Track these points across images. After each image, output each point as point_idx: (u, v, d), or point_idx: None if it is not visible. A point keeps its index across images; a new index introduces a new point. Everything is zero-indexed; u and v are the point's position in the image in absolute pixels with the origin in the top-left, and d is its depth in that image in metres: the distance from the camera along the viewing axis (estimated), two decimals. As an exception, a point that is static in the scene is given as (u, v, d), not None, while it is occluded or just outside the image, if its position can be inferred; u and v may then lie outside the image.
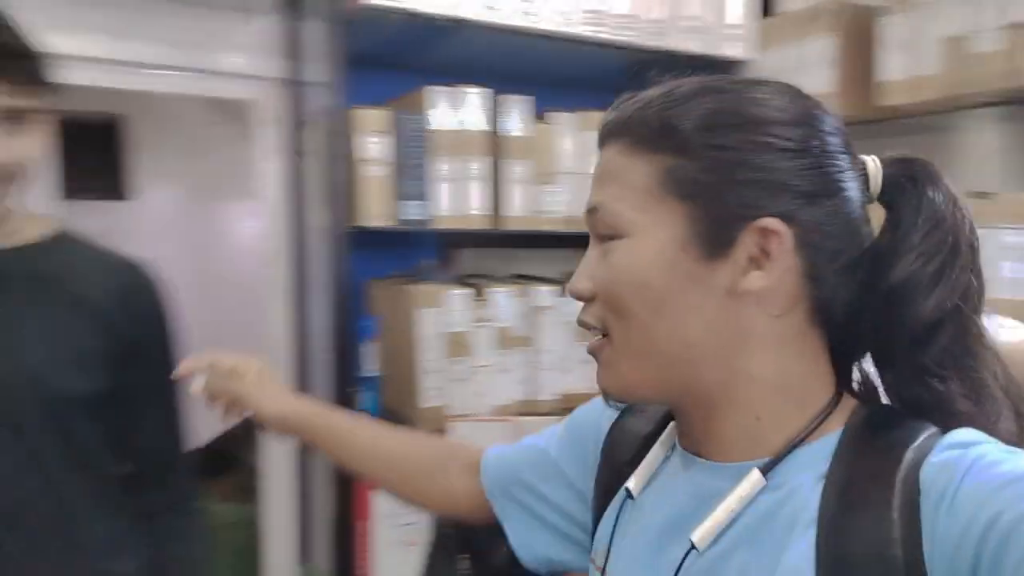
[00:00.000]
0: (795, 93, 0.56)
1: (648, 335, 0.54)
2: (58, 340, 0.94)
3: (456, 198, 1.77)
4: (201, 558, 1.13)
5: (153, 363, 1.04)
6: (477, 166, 1.79)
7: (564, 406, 1.93)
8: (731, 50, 2.04)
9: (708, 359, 0.54)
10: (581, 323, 0.59)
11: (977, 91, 1.60)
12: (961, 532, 0.44)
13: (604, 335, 0.57)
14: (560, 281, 2.04)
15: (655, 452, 0.63)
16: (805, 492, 0.51)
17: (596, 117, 1.95)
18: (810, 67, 1.92)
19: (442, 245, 2.09)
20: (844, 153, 0.56)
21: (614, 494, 0.66)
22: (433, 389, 1.76)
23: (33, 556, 0.91)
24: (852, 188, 0.55)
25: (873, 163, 0.57)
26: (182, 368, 0.93)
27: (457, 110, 1.76)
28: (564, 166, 1.90)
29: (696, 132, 0.54)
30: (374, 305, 1.92)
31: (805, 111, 0.55)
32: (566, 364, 1.93)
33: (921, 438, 0.50)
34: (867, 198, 0.57)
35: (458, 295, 1.78)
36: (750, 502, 0.53)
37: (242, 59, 1.91)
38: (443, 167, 1.75)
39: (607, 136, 0.59)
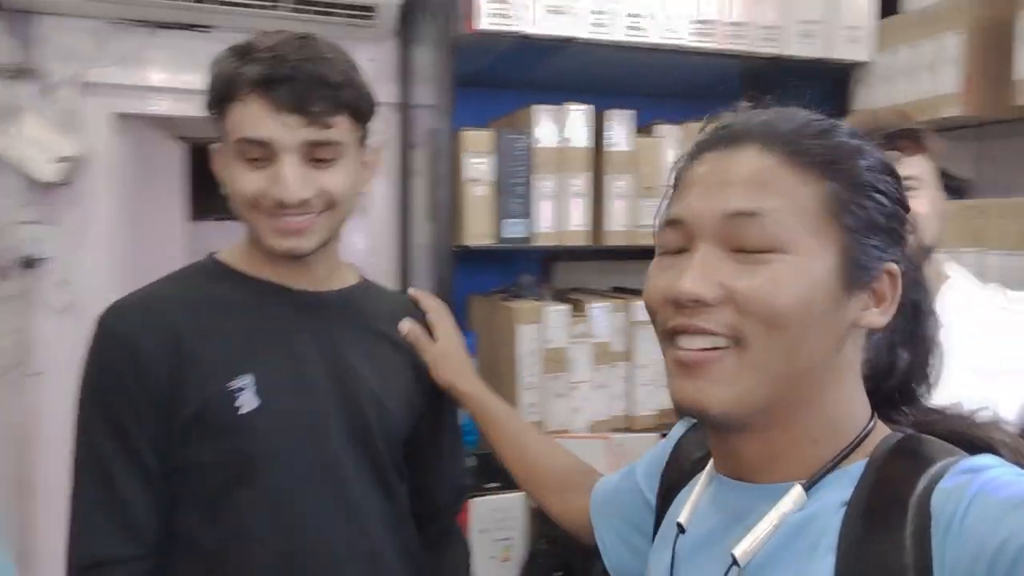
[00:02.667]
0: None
1: (793, 353, 0.55)
2: (383, 370, 1.00)
3: (557, 214, 1.78)
4: None
5: (446, 399, 1.10)
6: (579, 182, 1.79)
7: (660, 421, 1.90)
8: (848, 52, 1.93)
9: (816, 382, 0.56)
10: (695, 329, 0.56)
11: None
12: (971, 557, 0.45)
13: (725, 345, 0.55)
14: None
15: (702, 482, 0.65)
16: (828, 516, 0.53)
17: (697, 129, 1.89)
18: (935, 66, 1.79)
19: (541, 260, 2.10)
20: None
21: (666, 509, 0.70)
22: (531, 405, 1.77)
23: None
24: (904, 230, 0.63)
25: None
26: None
27: (560, 127, 1.76)
28: (666, 179, 1.86)
29: (867, 170, 0.57)
30: (473, 321, 1.95)
31: (890, 164, 0.61)
32: (663, 379, 1.88)
33: (938, 464, 0.51)
34: None
35: (556, 311, 1.78)
36: (788, 517, 0.55)
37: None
38: (545, 184, 1.76)
39: (749, 139, 0.58)
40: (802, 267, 0.54)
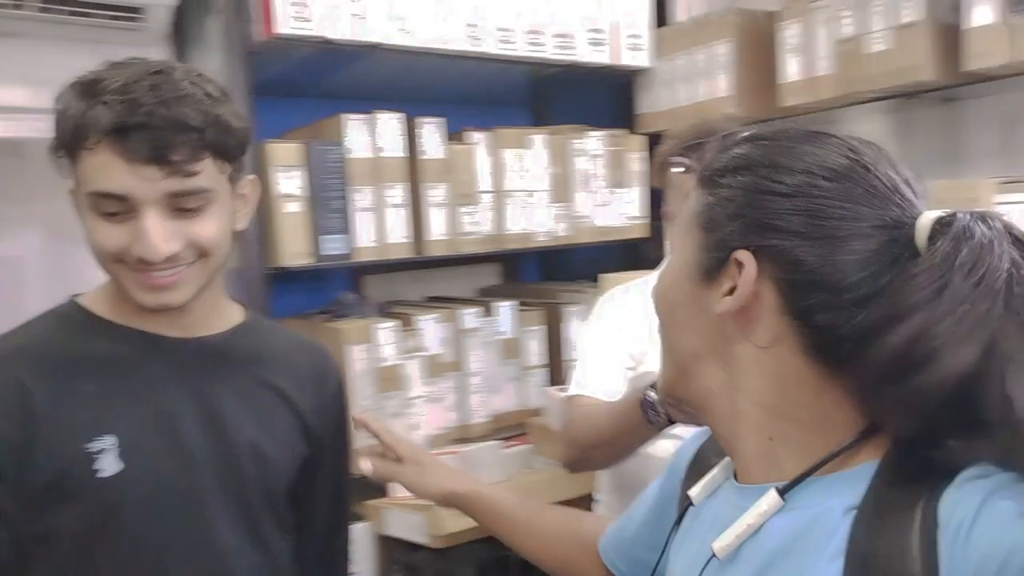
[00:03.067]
0: (846, 146, 0.57)
1: (670, 343, 0.64)
2: (263, 420, 0.93)
3: (377, 227, 1.70)
4: None
5: (333, 446, 1.03)
6: (396, 192, 1.73)
7: (496, 427, 1.90)
8: (633, 59, 2.06)
9: (708, 372, 0.60)
10: None
11: (867, 88, 1.69)
12: (977, 566, 0.45)
13: None
14: (479, 300, 2.01)
15: (717, 469, 0.67)
16: (833, 520, 0.53)
17: (510, 134, 1.94)
18: (709, 72, 1.97)
19: (353, 275, 2.01)
20: (869, 205, 0.55)
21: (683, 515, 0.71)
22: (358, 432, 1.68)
23: None
24: (863, 237, 0.54)
25: (926, 219, 0.54)
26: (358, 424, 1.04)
27: (373, 136, 1.68)
28: (482, 185, 1.86)
29: (723, 173, 0.60)
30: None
31: (837, 163, 0.56)
32: (494, 384, 1.90)
33: (946, 471, 0.50)
34: (908, 251, 0.54)
35: (386, 328, 1.71)
36: (766, 519, 0.56)
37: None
38: (362, 196, 1.68)
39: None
40: (668, 266, 0.66)
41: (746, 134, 0.61)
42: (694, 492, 0.66)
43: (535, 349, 1.97)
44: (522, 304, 1.97)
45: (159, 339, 0.88)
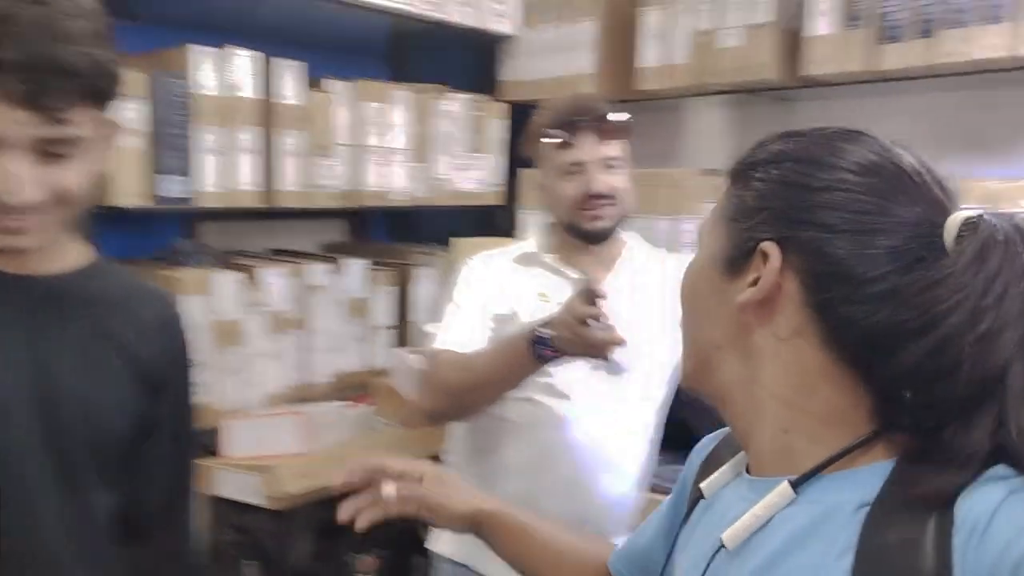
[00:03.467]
0: (879, 144, 0.58)
1: (692, 335, 0.65)
2: (96, 370, 0.88)
3: (223, 171, 1.59)
4: None
5: (175, 400, 0.98)
6: (247, 136, 1.62)
7: (339, 387, 1.86)
8: (499, 25, 2.06)
9: (728, 364, 0.61)
10: None
11: (717, 81, 1.79)
12: (991, 566, 0.45)
13: None
14: (327, 257, 1.94)
15: (728, 465, 0.67)
16: (844, 516, 0.52)
17: (372, 87, 1.88)
18: (574, 48, 2.00)
19: (192, 221, 1.87)
20: (898, 202, 0.55)
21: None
22: (201, 384, 1.58)
23: None
24: (890, 232, 0.54)
25: (955, 219, 0.53)
26: (350, 478, 0.86)
27: (224, 73, 1.57)
28: (340, 138, 1.79)
29: (756, 168, 0.61)
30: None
31: (868, 159, 0.57)
32: (340, 344, 1.86)
33: (963, 472, 0.49)
34: (934, 250, 0.54)
35: (227, 279, 1.61)
36: (776, 511, 0.56)
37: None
38: (208, 137, 1.56)
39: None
40: (695, 259, 0.65)
41: (781, 132, 0.62)
42: (704, 485, 0.67)
43: (383, 309, 1.94)
44: (373, 263, 1.93)
45: None
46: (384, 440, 1.67)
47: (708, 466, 0.70)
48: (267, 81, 1.64)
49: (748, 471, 0.62)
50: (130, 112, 1.44)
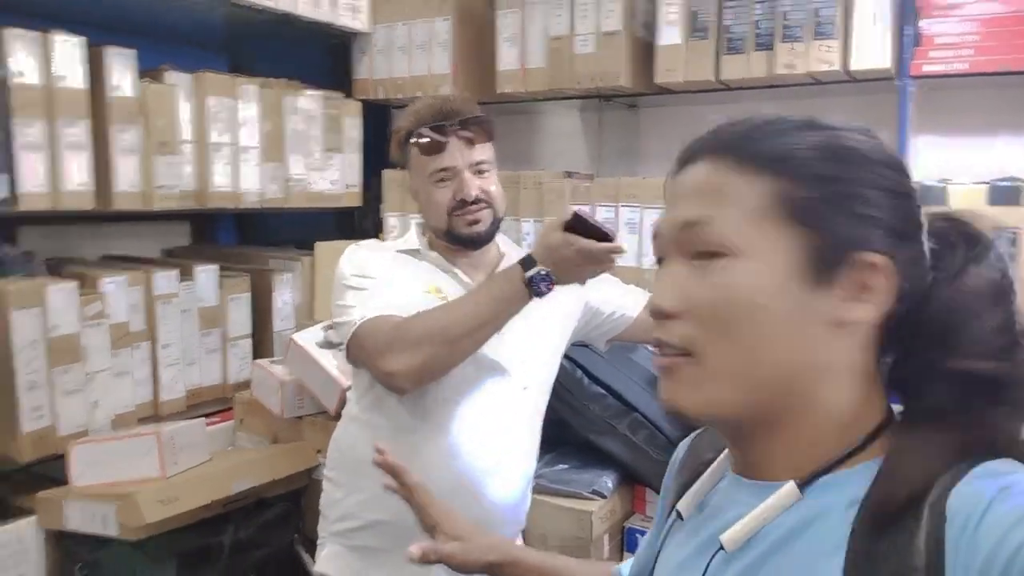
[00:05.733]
0: (879, 138, 0.57)
1: (750, 359, 0.53)
2: None
3: (48, 171, 1.43)
4: None
5: None
6: (76, 131, 1.47)
7: (191, 403, 1.74)
8: (350, 21, 2.00)
9: (793, 384, 0.54)
10: (658, 341, 0.56)
11: (572, 86, 1.84)
12: (984, 561, 0.45)
13: (685, 354, 0.55)
14: (171, 263, 1.80)
15: (706, 477, 0.63)
16: (836, 515, 0.52)
17: (217, 80, 1.75)
18: (428, 47, 1.99)
19: (11, 225, 1.67)
20: (919, 204, 0.57)
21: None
22: (36, 408, 1.42)
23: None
24: (921, 236, 0.56)
25: (943, 220, 0.57)
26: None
27: (45, 60, 1.40)
28: (183, 135, 1.67)
29: (814, 161, 0.54)
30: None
31: (894, 155, 0.57)
32: (190, 356, 1.73)
33: (953, 467, 0.50)
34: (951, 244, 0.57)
35: (61, 290, 1.45)
36: (781, 513, 0.54)
37: None
38: (30, 132, 1.40)
39: (701, 152, 0.58)
40: (751, 270, 0.53)
41: (798, 121, 0.57)
42: (682, 506, 0.63)
43: (238, 319, 1.83)
44: (224, 269, 1.81)
45: None
46: (251, 457, 1.57)
47: (681, 481, 0.68)
48: (95, 70, 1.49)
49: (737, 472, 0.60)
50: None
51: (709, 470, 0.64)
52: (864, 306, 0.53)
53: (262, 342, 1.88)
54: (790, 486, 0.54)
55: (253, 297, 1.86)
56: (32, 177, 1.41)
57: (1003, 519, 0.45)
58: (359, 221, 2.23)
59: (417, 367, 1.10)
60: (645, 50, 1.76)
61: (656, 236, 0.59)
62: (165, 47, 1.79)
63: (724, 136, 0.57)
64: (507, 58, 1.90)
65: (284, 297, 1.90)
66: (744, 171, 0.55)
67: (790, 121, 0.57)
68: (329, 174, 2.03)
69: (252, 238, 2.26)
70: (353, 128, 2.05)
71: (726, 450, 0.63)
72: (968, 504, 0.47)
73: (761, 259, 0.53)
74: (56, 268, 1.59)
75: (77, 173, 1.48)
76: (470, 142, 1.22)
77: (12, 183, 1.39)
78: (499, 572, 0.86)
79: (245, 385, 1.80)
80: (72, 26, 1.47)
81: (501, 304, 1.10)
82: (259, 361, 1.74)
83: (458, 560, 0.84)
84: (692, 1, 1.67)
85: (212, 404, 1.76)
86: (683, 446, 0.73)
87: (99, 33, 1.53)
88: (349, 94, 2.08)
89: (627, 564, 0.80)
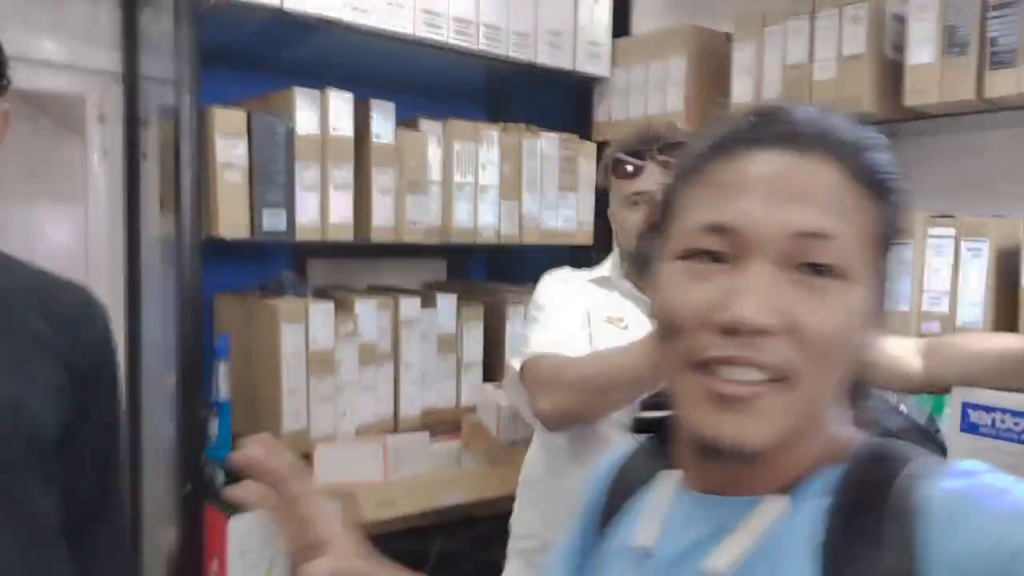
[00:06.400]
0: None
1: (831, 385, 0.52)
2: (22, 369, 0.85)
3: (320, 207, 1.67)
4: None
5: (103, 392, 0.96)
6: (343, 173, 1.70)
7: (426, 422, 1.88)
8: (591, 66, 2.08)
9: (827, 407, 0.54)
10: (748, 362, 0.49)
11: (813, 117, 1.74)
12: (967, 560, 0.45)
13: (776, 378, 0.49)
14: (422, 292, 1.99)
15: (660, 501, 0.60)
16: (810, 523, 0.51)
17: (464, 126, 1.93)
18: (663, 86, 2.00)
19: (297, 255, 1.97)
20: None
21: (608, 526, 0.64)
22: (295, 412, 1.64)
23: None
24: None
25: None
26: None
27: (322, 113, 1.66)
28: (431, 175, 1.85)
29: (902, 190, 0.52)
30: (223, 321, 1.77)
31: None
32: (428, 378, 1.89)
33: (918, 467, 0.50)
34: None
35: (322, 309, 1.67)
36: (774, 524, 0.52)
37: (68, 49, 1.70)
38: (307, 174, 1.65)
39: (814, 143, 0.51)
40: (860, 298, 0.50)
41: (869, 130, 0.54)
42: (644, 538, 0.58)
43: (472, 345, 1.96)
44: (462, 299, 1.96)
45: None
46: (465, 474, 1.67)
47: (615, 509, 0.63)
48: (362, 121, 1.72)
49: (701, 490, 0.56)
50: (235, 149, 1.55)
51: (658, 493, 0.59)
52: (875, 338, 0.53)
53: (493, 368, 1.99)
54: (780, 499, 0.52)
55: (486, 326, 1.98)
56: (306, 212, 1.66)
57: (985, 518, 0.45)
58: (596, 258, 2.28)
59: (563, 410, 1.11)
60: (891, 72, 1.61)
61: (729, 229, 0.50)
62: (427, 99, 2.02)
63: (840, 135, 0.51)
64: (741, 89, 1.86)
65: (513, 327, 2.00)
66: (862, 187, 0.50)
67: (869, 131, 0.53)
68: (563, 212, 2.11)
69: (499, 275, 2.41)
70: (588, 168, 2.13)
71: (666, 469, 0.60)
72: (947, 503, 0.47)
73: (866, 290, 0.51)
74: (322, 292, 1.83)
75: (343, 209, 1.71)
76: (666, 167, 1.22)
77: (291, 217, 1.64)
78: None
79: (473, 408, 1.91)
80: (345, 84, 1.72)
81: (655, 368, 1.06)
82: (482, 384, 1.85)
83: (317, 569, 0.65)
84: (949, 15, 1.51)
85: (445, 424, 1.89)
86: (608, 468, 0.67)
87: (365, 89, 1.77)
88: (588, 136, 2.15)
89: None
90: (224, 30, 1.58)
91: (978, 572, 0.44)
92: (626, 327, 1.19)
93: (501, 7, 1.88)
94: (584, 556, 0.66)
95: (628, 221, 1.25)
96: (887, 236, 0.51)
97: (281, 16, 1.54)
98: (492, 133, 1.96)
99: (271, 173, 1.58)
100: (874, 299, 0.51)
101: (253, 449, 0.64)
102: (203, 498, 1.58)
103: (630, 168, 1.26)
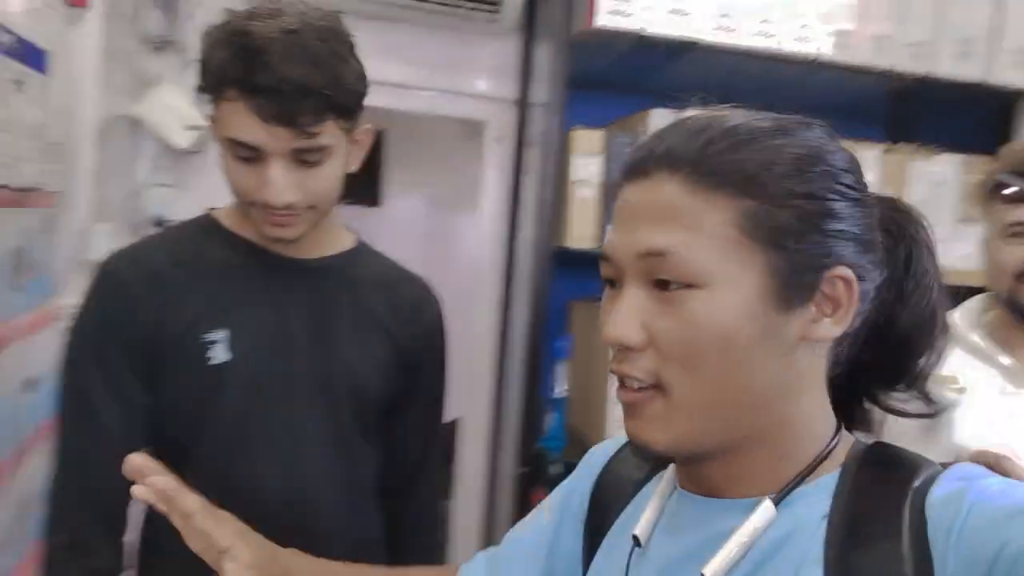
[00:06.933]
0: (834, 135, 0.56)
1: (719, 389, 0.52)
2: (362, 342, 1.00)
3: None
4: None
5: (428, 374, 1.08)
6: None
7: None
8: (1013, 78, 1.75)
9: (765, 406, 0.53)
10: (622, 375, 0.53)
11: None
12: (971, 562, 0.45)
13: (650, 387, 0.52)
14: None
15: (658, 498, 0.60)
16: (810, 530, 0.51)
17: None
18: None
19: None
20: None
21: (602, 535, 0.65)
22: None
23: (312, 528, 0.94)
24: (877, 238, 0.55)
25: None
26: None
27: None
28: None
29: (783, 177, 0.51)
30: (572, 326, 1.90)
31: (852, 156, 0.55)
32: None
33: (923, 473, 0.51)
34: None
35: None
36: (760, 534, 0.52)
37: (483, 81, 2.01)
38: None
39: (655, 165, 0.53)
40: (719, 300, 0.51)
41: (760, 126, 0.53)
42: (640, 531, 0.59)
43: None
44: None
45: (273, 255, 0.97)
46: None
47: (609, 491, 0.66)
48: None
49: (694, 491, 0.57)
50: (590, 167, 1.66)
51: (657, 492, 0.60)
52: (833, 321, 0.53)
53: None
54: (767, 505, 0.52)
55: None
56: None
57: (986, 522, 0.46)
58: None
59: None
60: None
61: (607, 258, 0.54)
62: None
63: (680, 148, 0.52)
64: None
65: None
66: (710, 192, 0.51)
67: (751, 128, 0.52)
68: (958, 247, 1.80)
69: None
70: (994, 196, 1.78)
71: (667, 468, 0.61)
72: (949, 508, 0.47)
73: (731, 288, 0.51)
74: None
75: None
76: None
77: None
78: None
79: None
80: (712, 103, 1.72)
81: None
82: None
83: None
84: None
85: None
86: (600, 456, 0.69)
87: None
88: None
89: (477, 562, 0.74)
90: (596, 57, 1.72)
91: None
92: (962, 390, 0.99)
93: (894, 15, 1.69)
94: (558, 547, 0.69)
95: (1005, 255, 1.04)
96: (764, 225, 0.50)
97: (645, 41, 1.61)
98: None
99: (619, 189, 1.66)
100: (761, 290, 0.51)
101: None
102: (534, 482, 1.73)
103: (1013, 191, 1.04)
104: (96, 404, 0.92)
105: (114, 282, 0.94)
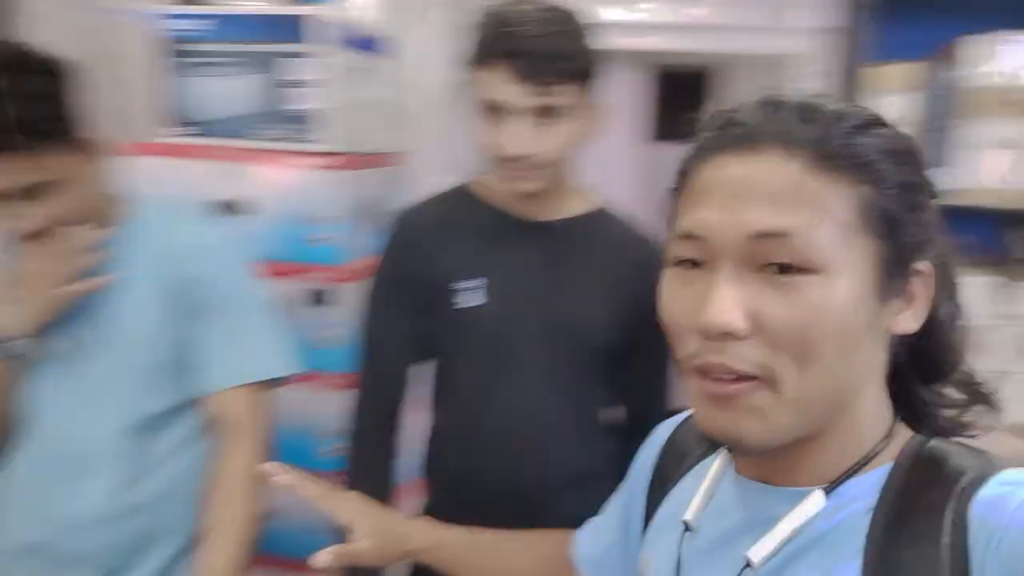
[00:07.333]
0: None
1: (830, 381, 0.51)
2: (591, 296, 1.12)
3: (991, 166, 1.48)
4: None
5: (651, 333, 1.23)
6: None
7: None
8: None
9: (849, 396, 0.53)
10: (714, 367, 0.51)
11: None
12: (1011, 571, 0.45)
13: (753, 378, 0.50)
14: None
15: (710, 481, 0.62)
16: (854, 521, 0.51)
17: None
18: None
19: (998, 222, 1.75)
20: None
21: (658, 505, 0.68)
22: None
23: (541, 450, 1.11)
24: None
25: None
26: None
27: (996, 61, 1.44)
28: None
29: (894, 165, 0.51)
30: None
31: (923, 150, 0.54)
32: None
33: (971, 474, 0.50)
34: None
35: (979, 282, 1.50)
36: (807, 523, 0.53)
37: (795, 15, 1.92)
38: (980, 129, 1.47)
39: (769, 142, 0.51)
40: (837, 288, 0.49)
41: (859, 111, 0.52)
42: (691, 516, 0.60)
43: None
44: None
45: (517, 219, 1.12)
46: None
47: (666, 479, 0.67)
48: None
49: (748, 476, 0.58)
50: (897, 105, 1.51)
51: (710, 475, 0.61)
52: (910, 314, 0.53)
53: None
54: (818, 495, 0.53)
55: None
56: (976, 172, 1.49)
57: None
58: None
59: None
60: None
61: (695, 237, 0.52)
62: None
63: (796, 128, 0.51)
64: None
65: None
66: (824, 175, 0.50)
67: (857, 114, 0.51)
68: None
69: None
70: None
71: (719, 451, 0.61)
72: (992, 514, 0.47)
73: (846, 275, 0.49)
74: (1003, 266, 1.61)
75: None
76: None
77: (952, 176, 1.50)
78: (424, 558, 0.82)
79: None
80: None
81: None
82: None
83: (373, 556, 0.79)
84: None
85: None
86: (664, 433, 0.70)
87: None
88: None
89: (587, 536, 0.77)
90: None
91: None
92: None
93: None
94: (631, 516, 0.72)
95: None
96: (877, 213, 0.50)
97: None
98: None
99: (933, 129, 1.49)
100: (869, 280, 0.50)
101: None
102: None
103: None
104: (378, 329, 1.18)
105: (398, 231, 1.18)
